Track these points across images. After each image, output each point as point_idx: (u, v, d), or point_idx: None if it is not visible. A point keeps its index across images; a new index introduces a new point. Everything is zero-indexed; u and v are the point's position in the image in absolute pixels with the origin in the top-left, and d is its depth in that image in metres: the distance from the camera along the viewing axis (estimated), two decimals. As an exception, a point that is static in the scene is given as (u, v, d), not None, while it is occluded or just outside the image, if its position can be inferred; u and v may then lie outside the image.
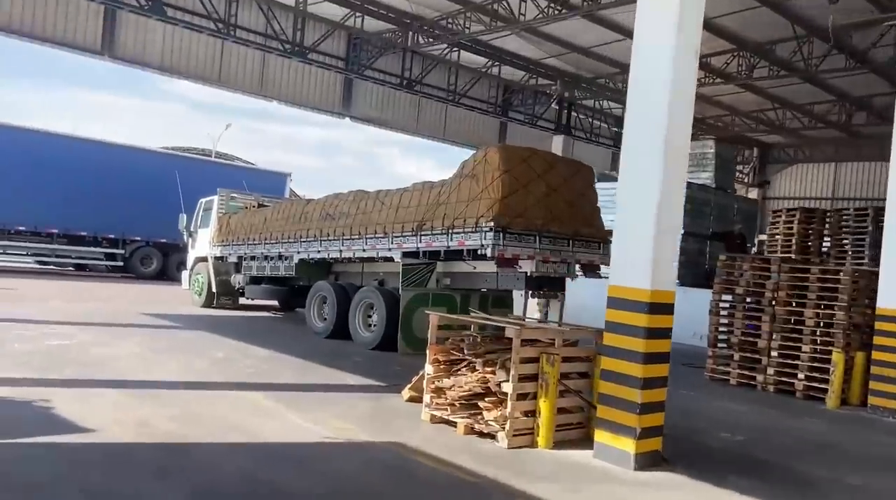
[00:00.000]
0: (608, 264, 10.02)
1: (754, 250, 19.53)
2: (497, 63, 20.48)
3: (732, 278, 10.26)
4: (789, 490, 5.24)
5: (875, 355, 8.76)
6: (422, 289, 10.16)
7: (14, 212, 19.28)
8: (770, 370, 9.57)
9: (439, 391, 6.08)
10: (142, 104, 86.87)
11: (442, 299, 10.21)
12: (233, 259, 14.66)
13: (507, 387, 5.49)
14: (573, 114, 23.56)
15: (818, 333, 9.39)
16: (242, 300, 15.26)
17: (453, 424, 5.91)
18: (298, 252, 12.42)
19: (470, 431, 5.76)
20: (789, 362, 9.45)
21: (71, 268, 22.50)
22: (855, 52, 15.84)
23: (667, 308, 5.23)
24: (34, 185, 19.35)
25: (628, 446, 5.13)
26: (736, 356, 9.97)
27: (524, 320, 7.16)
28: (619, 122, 25.46)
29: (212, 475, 4.38)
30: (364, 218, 10.97)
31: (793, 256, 13.66)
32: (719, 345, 10.33)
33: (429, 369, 6.18)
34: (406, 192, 10.48)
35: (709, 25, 14.38)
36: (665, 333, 5.25)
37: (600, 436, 5.34)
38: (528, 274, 9.26)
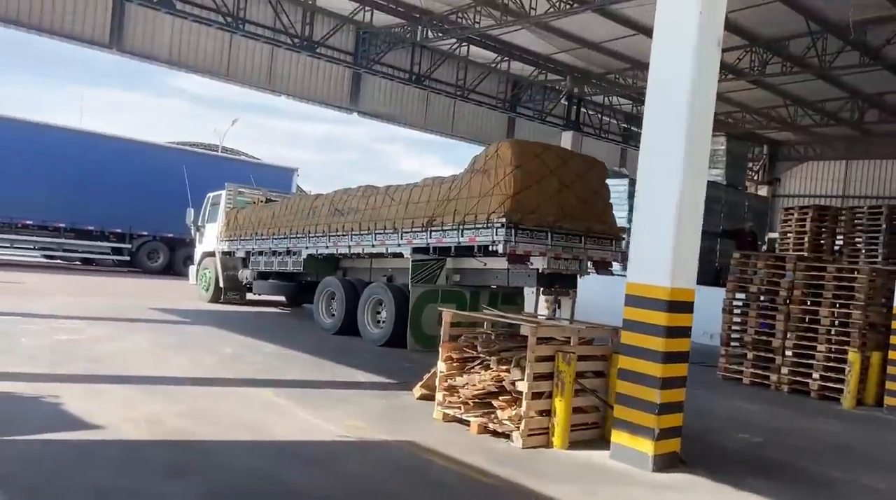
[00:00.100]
0: (619, 261, 10.01)
1: (764, 247, 19.37)
2: (506, 58, 20.35)
3: (746, 276, 10.15)
4: (808, 492, 5.14)
5: (892, 354, 8.64)
6: (431, 285, 10.07)
7: (21, 206, 19.27)
8: (784, 370, 9.45)
9: (452, 390, 5.99)
10: (148, 99, 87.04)
11: (451, 295, 10.12)
12: (240, 254, 14.62)
13: (522, 386, 5.39)
14: (582, 110, 23.40)
15: (834, 332, 9.27)
16: (249, 296, 15.21)
17: (466, 423, 5.82)
18: (307, 247, 12.34)
19: (483, 430, 5.67)
20: (804, 361, 9.33)
21: (78, 262, 22.50)
22: (869, 48, 15.67)
23: (687, 306, 5.13)
24: (41, 179, 19.34)
25: (646, 447, 5.03)
26: (749, 355, 9.85)
27: (538, 317, 7.05)
28: (628, 118, 25.35)
29: (225, 474, 4.30)
30: (373, 213, 10.89)
31: (805, 254, 13.52)
32: (732, 344, 10.22)
33: (441, 366, 6.08)
34: (416, 187, 10.38)
35: (722, 20, 14.20)
36: (685, 331, 5.15)
37: (617, 437, 5.24)
38: (540, 271, 9.16)
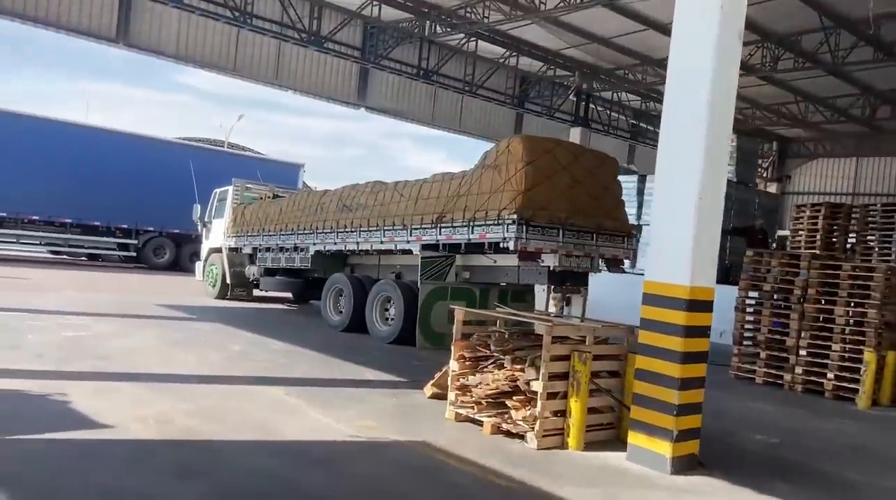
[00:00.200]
0: (630, 259, 9.89)
1: (774, 245, 19.21)
2: (515, 53, 20.19)
3: (759, 275, 10.02)
4: (828, 496, 5.03)
5: (909, 354, 8.52)
6: (440, 283, 9.97)
7: (27, 201, 19.23)
8: (798, 369, 9.32)
9: (464, 389, 5.89)
10: (153, 95, 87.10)
11: (461, 293, 10.02)
12: (247, 250, 14.53)
13: (537, 386, 5.29)
14: (590, 106, 23.23)
15: (848, 331, 9.13)
16: (256, 292, 15.13)
17: (479, 423, 5.72)
18: (314, 244, 12.25)
19: (497, 430, 5.57)
20: (818, 361, 9.20)
21: (84, 258, 22.48)
22: (883, 43, 15.48)
23: (706, 305, 5.02)
24: (48, 174, 19.29)
25: (664, 449, 4.92)
26: (762, 355, 9.73)
27: (551, 316, 6.95)
28: (637, 114, 25.17)
29: (235, 475, 4.21)
30: (382, 210, 10.78)
31: (817, 251, 13.38)
32: (745, 343, 10.10)
33: (454, 365, 5.98)
34: (426, 183, 10.28)
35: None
36: (704, 331, 5.04)
37: (634, 438, 5.13)
38: (551, 268, 9.03)
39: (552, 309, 10.70)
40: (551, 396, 5.35)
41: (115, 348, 7.79)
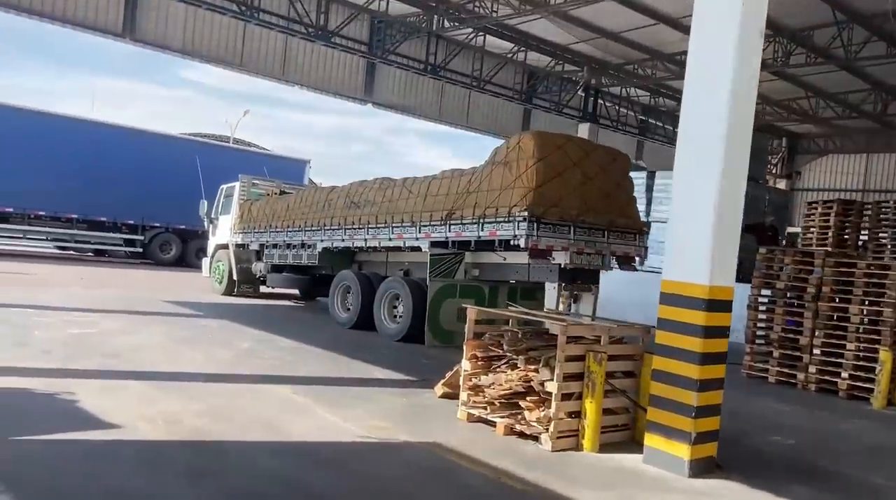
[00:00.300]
0: (643, 256, 9.77)
1: (783, 242, 19.05)
2: (523, 48, 20.03)
3: (772, 272, 9.89)
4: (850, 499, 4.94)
5: (925, 354, 8.38)
6: (449, 280, 9.88)
7: (34, 197, 19.19)
8: (812, 368, 9.20)
9: (477, 389, 5.80)
10: (159, 90, 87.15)
11: (470, 290, 9.92)
12: (254, 247, 14.47)
13: (552, 386, 5.19)
14: (599, 101, 23.06)
15: (863, 330, 8.99)
16: (263, 289, 15.06)
17: (492, 423, 5.63)
18: (322, 240, 12.16)
19: (510, 431, 5.48)
20: (832, 360, 9.08)
21: (90, 253, 22.45)
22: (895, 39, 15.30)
23: (725, 305, 4.91)
24: (54, 170, 19.25)
25: (682, 451, 4.82)
26: (775, 353, 9.61)
27: (563, 314, 6.84)
28: (645, 110, 24.99)
29: (246, 477, 4.12)
30: (390, 206, 10.69)
31: (829, 249, 13.23)
32: (757, 341, 9.98)
33: (466, 365, 5.89)
34: (434, 179, 10.17)
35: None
36: (723, 331, 4.93)
37: (651, 440, 5.03)
38: (562, 266, 8.92)
39: (561, 307, 10.62)
40: (566, 397, 5.25)
41: (123, 346, 7.73)
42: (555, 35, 18.98)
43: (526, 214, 8.38)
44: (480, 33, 19.00)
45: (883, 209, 13.75)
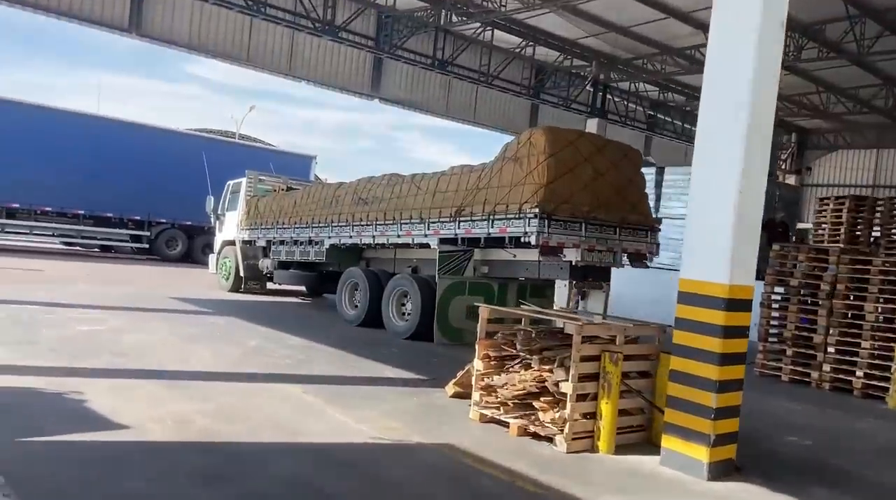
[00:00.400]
0: (655, 253, 9.66)
1: (793, 238, 18.89)
2: (531, 43, 19.87)
3: (785, 270, 9.78)
4: (875, 505, 4.84)
5: (942, 353, 8.26)
6: (458, 277, 9.80)
7: (40, 193, 19.17)
8: (826, 367, 9.09)
9: (489, 389, 5.71)
10: (164, 86, 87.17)
11: (479, 287, 9.85)
12: (261, 243, 14.40)
13: (567, 387, 5.10)
14: (607, 97, 22.88)
15: (879, 328, 8.88)
16: (270, 285, 15.00)
17: (505, 424, 5.54)
18: (329, 237, 12.09)
19: (523, 432, 5.39)
20: (847, 358, 8.97)
21: (96, 249, 22.45)
22: (909, 33, 15.12)
23: (745, 305, 4.81)
24: (60, 165, 19.24)
25: (700, 454, 4.72)
26: (789, 352, 9.50)
27: (576, 313, 6.75)
28: (654, 105, 24.81)
29: (258, 481, 4.03)
30: (399, 203, 10.60)
31: (842, 245, 13.08)
32: (770, 339, 9.87)
33: (478, 365, 5.80)
34: (444, 176, 10.08)
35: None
36: (743, 331, 4.83)
37: (668, 442, 4.93)
38: (573, 263, 8.83)
39: (570, 305, 10.52)
40: (581, 397, 5.15)
41: (131, 343, 7.66)
42: (563, 29, 18.81)
43: (537, 210, 8.28)
44: (488, 28, 18.85)
45: (895, 205, 13.57)
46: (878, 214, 13.76)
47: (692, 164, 5.00)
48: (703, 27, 16.15)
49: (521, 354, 5.56)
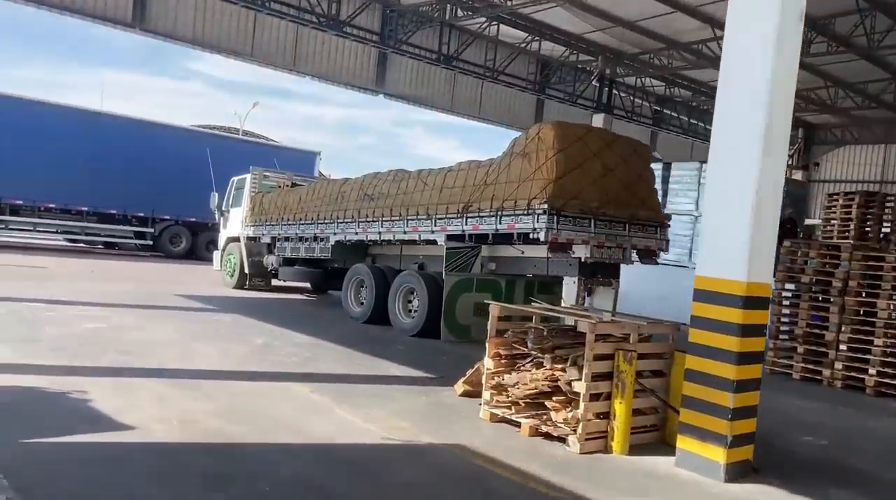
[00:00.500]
0: (664, 249, 9.54)
1: (801, 234, 18.73)
2: (537, 38, 19.69)
3: (796, 266, 9.66)
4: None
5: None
6: (466, 274, 9.70)
7: (44, 189, 19.08)
8: (838, 365, 8.97)
9: (500, 388, 5.61)
10: (168, 83, 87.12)
11: (486, 284, 9.75)
12: (266, 240, 14.31)
13: (580, 386, 5.00)
14: (613, 92, 22.72)
15: (892, 325, 8.76)
16: (274, 282, 14.91)
17: (516, 424, 5.45)
18: (335, 233, 11.99)
19: (535, 432, 5.29)
20: (859, 356, 8.85)
21: (100, 246, 22.37)
22: (919, 27, 14.94)
23: (763, 302, 4.70)
24: (64, 162, 19.13)
25: (717, 455, 4.62)
26: (800, 349, 9.39)
27: (588, 310, 6.63)
28: (660, 100, 24.64)
29: (266, 483, 3.93)
30: (405, 198, 10.49)
31: (852, 241, 12.94)
32: (781, 336, 9.76)
33: (489, 363, 5.70)
34: (451, 171, 9.97)
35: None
36: (760, 330, 4.73)
37: (684, 442, 4.83)
38: (582, 260, 8.72)
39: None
40: (594, 397, 5.05)
41: (135, 341, 7.58)
42: (569, 24, 18.65)
43: (545, 206, 8.17)
44: (494, 23, 18.69)
45: (907, 201, 13.43)
46: (888, 210, 13.61)
47: (707, 160, 4.89)
48: (711, 21, 16.00)
49: (532, 352, 5.46)
